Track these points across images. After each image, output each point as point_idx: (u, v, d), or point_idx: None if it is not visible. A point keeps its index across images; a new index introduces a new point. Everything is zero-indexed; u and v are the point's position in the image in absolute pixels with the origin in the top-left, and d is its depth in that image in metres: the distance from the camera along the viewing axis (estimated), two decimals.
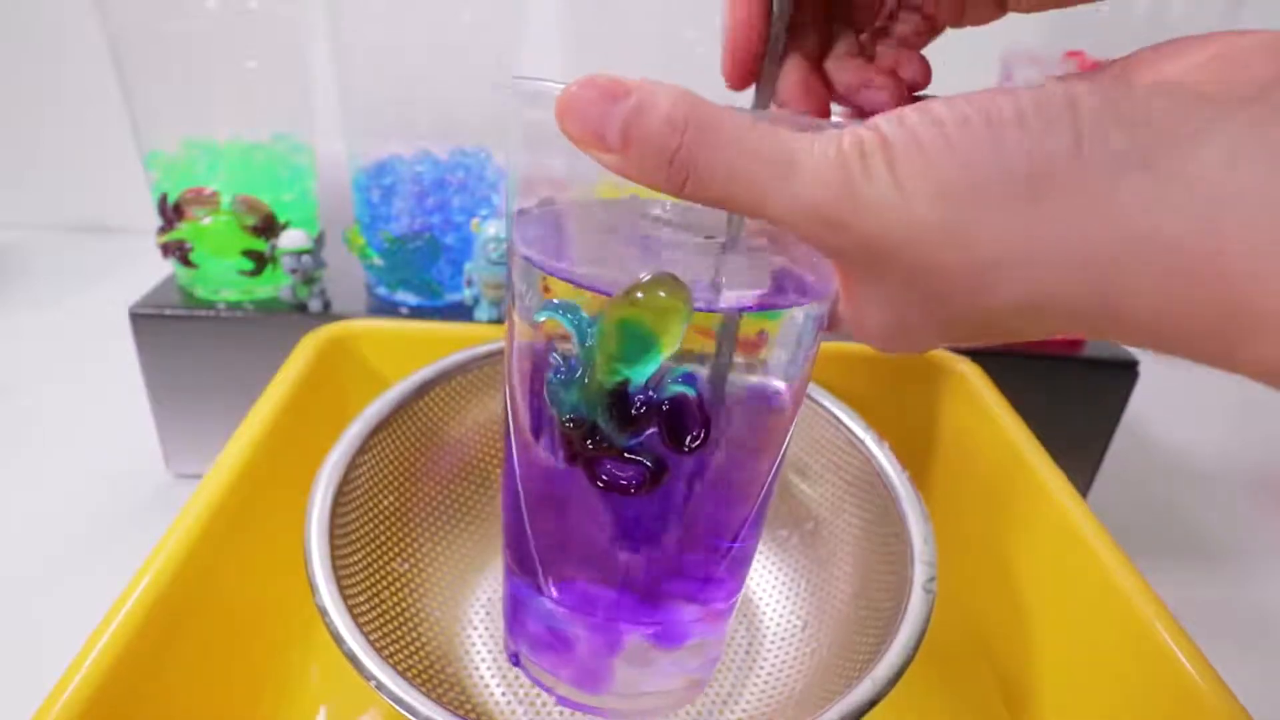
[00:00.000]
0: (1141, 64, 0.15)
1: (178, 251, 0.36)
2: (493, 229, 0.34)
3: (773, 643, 0.28)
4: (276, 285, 0.37)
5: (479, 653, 0.27)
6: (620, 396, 0.18)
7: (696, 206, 0.15)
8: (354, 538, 0.25)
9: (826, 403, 0.30)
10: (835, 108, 0.19)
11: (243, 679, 0.26)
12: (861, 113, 0.19)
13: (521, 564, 0.22)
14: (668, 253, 0.18)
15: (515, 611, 0.23)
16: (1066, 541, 0.26)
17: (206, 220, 0.36)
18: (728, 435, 0.19)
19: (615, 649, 0.22)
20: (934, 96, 0.14)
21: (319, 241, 0.36)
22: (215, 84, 0.36)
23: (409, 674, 0.21)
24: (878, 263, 0.14)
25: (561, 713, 0.25)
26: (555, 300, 0.18)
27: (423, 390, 0.29)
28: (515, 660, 0.24)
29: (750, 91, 0.19)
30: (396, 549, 0.27)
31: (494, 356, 0.31)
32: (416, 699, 0.19)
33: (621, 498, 0.19)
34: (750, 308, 0.18)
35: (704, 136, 0.14)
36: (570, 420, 0.18)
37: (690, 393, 0.18)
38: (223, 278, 0.37)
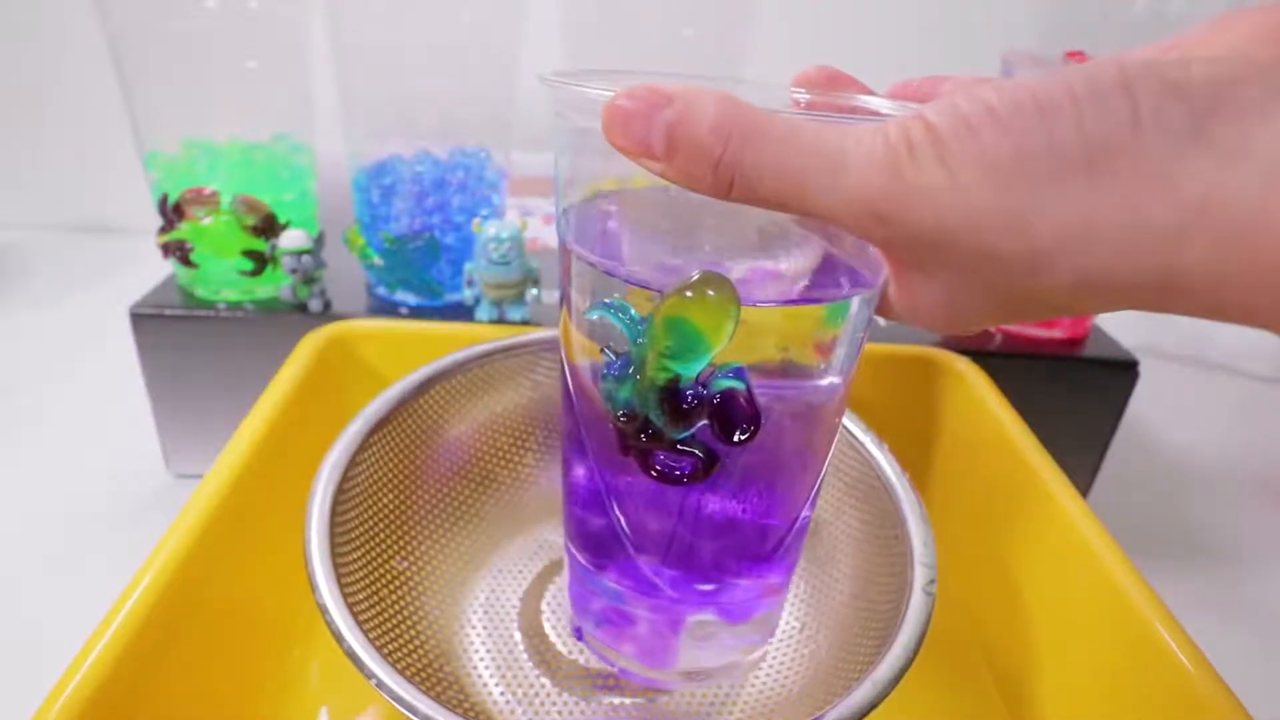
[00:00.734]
0: (1192, 39, 0.15)
1: (178, 251, 0.36)
2: (493, 229, 0.34)
3: (772, 644, 0.28)
4: (276, 285, 0.37)
5: (479, 651, 0.27)
6: (671, 392, 0.18)
7: None
8: (354, 537, 0.25)
9: None
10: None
11: (243, 678, 0.26)
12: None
13: (584, 547, 0.23)
14: (713, 248, 0.19)
15: (580, 590, 0.24)
16: (1066, 541, 0.26)
17: (207, 220, 0.36)
18: (783, 426, 0.20)
19: (678, 627, 0.23)
20: (971, 79, 0.14)
21: (319, 241, 0.36)
22: (215, 84, 0.36)
23: (409, 672, 0.21)
24: (935, 252, 0.14)
25: (562, 712, 0.25)
26: (606, 300, 0.19)
27: (422, 389, 0.29)
28: (579, 635, 0.25)
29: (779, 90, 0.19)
30: (396, 548, 0.27)
31: (493, 356, 0.31)
32: (416, 697, 0.19)
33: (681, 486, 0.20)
34: (795, 301, 0.19)
35: (749, 140, 0.14)
36: (624, 415, 0.19)
37: (740, 386, 0.19)
38: (223, 278, 0.37)
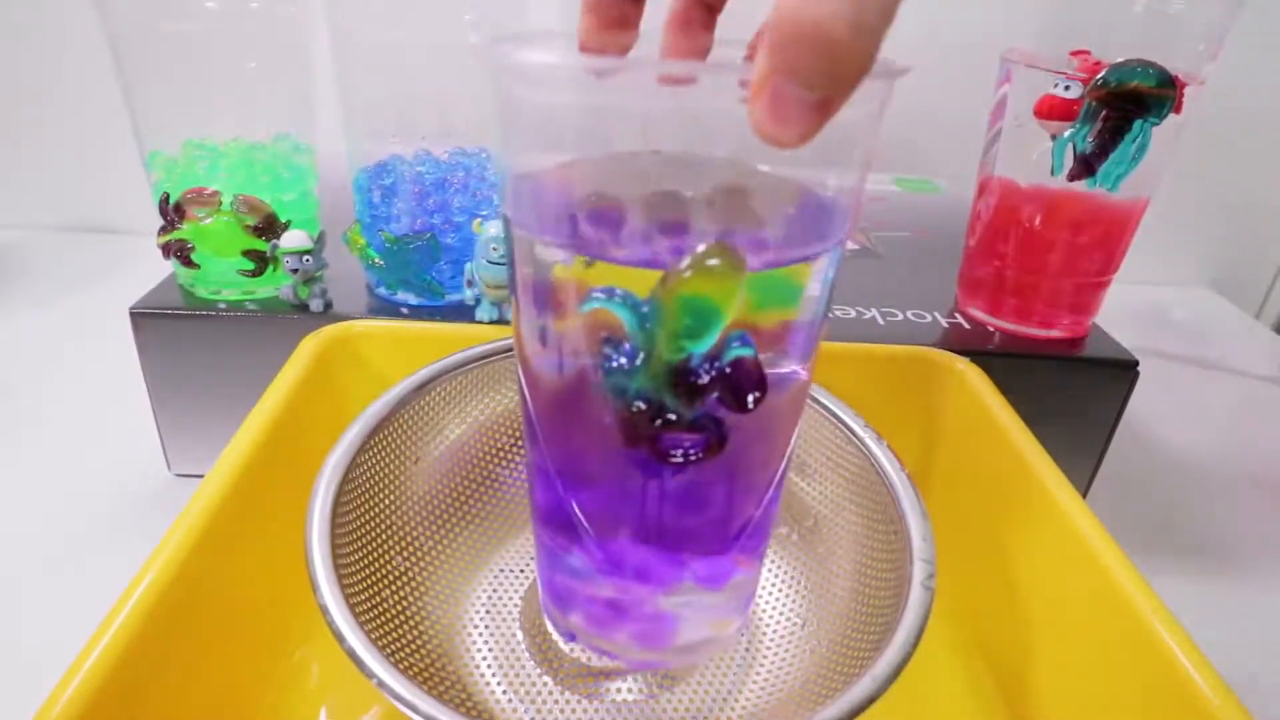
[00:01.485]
0: None
1: (178, 252, 0.36)
2: (494, 229, 0.34)
3: (772, 640, 0.28)
4: (277, 285, 0.37)
5: (480, 651, 0.27)
6: (684, 371, 0.18)
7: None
8: (355, 536, 0.25)
9: (826, 401, 0.30)
10: None
11: (244, 678, 0.26)
12: None
13: (563, 539, 0.23)
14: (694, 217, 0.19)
15: (560, 592, 0.24)
16: (1066, 541, 0.26)
17: (207, 220, 0.36)
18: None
19: (660, 602, 0.23)
20: None
21: (320, 242, 0.36)
22: (215, 84, 0.36)
23: (410, 672, 0.21)
24: None
25: (564, 710, 0.25)
26: (600, 289, 0.18)
27: (422, 389, 0.29)
28: (572, 638, 0.25)
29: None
30: (397, 548, 0.27)
31: (494, 356, 0.31)
32: (418, 697, 0.19)
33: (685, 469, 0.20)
34: (780, 263, 0.19)
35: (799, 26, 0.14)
36: (639, 405, 0.18)
37: (750, 353, 0.18)
38: (223, 278, 0.37)
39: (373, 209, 0.37)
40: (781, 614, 0.29)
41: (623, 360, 0.18)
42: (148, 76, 0.35)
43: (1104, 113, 0.33)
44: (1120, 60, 0.32)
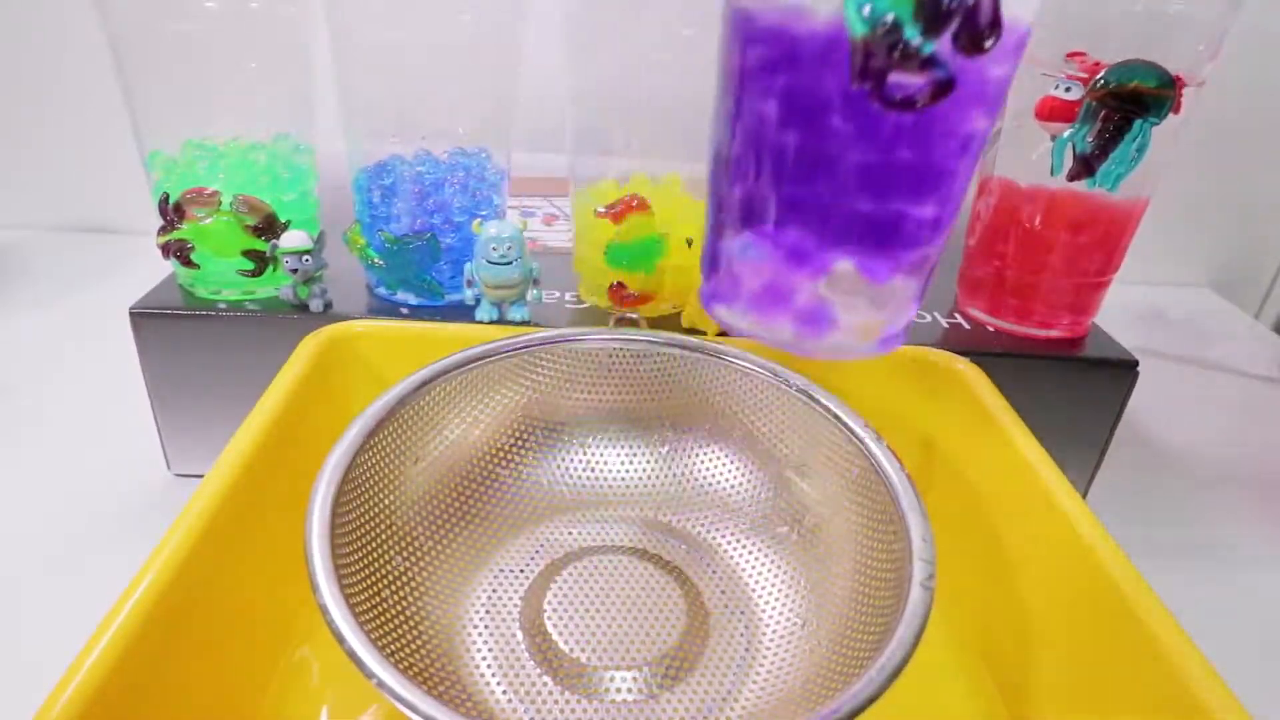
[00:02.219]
0: None
1: (178, 252, 0.36)
2: (493, 229, 0.34)
3: (771, 640, 0.28)
4: (277, 285, 0.37)
5: (480, 651, 0.27)
6: None
7: None
8: (355, 537, 0.25)
9: (825, 400, 0.30)
10: None
11: (244, 678, 0.26)
12: None
13: (748, 214, 0.24)
14: None
15: (736, 277, 0.26)
16: (1066, 541, 0.26)
17: (207, 220, 0.36)
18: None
19: (823, 274, 0.24)
20: None
21: (320, 242, 0.36)
22: (215, 84, 0.36)
23: (410, 672, 0.21)
24: None
25: (564, 710, 0.25)
26: None
27: (422, 389, 0.29)
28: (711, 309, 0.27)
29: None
30: (397, 548, 0.27)
31: (494, 356, 0.31)
32: (418, 697, 0.19)
33: (880, 126, 0.21)
34: None
35: None
36: (882, 28, 0.19)
37: None
38: (223, 278, 0.37)
39: (372, 209, 0.37)
40: (781, 614, 0.29)
41: None
42: (148, 76, 0.35)
43: (1104, 113, 0.33)
44: (1120, 60, 0.32)
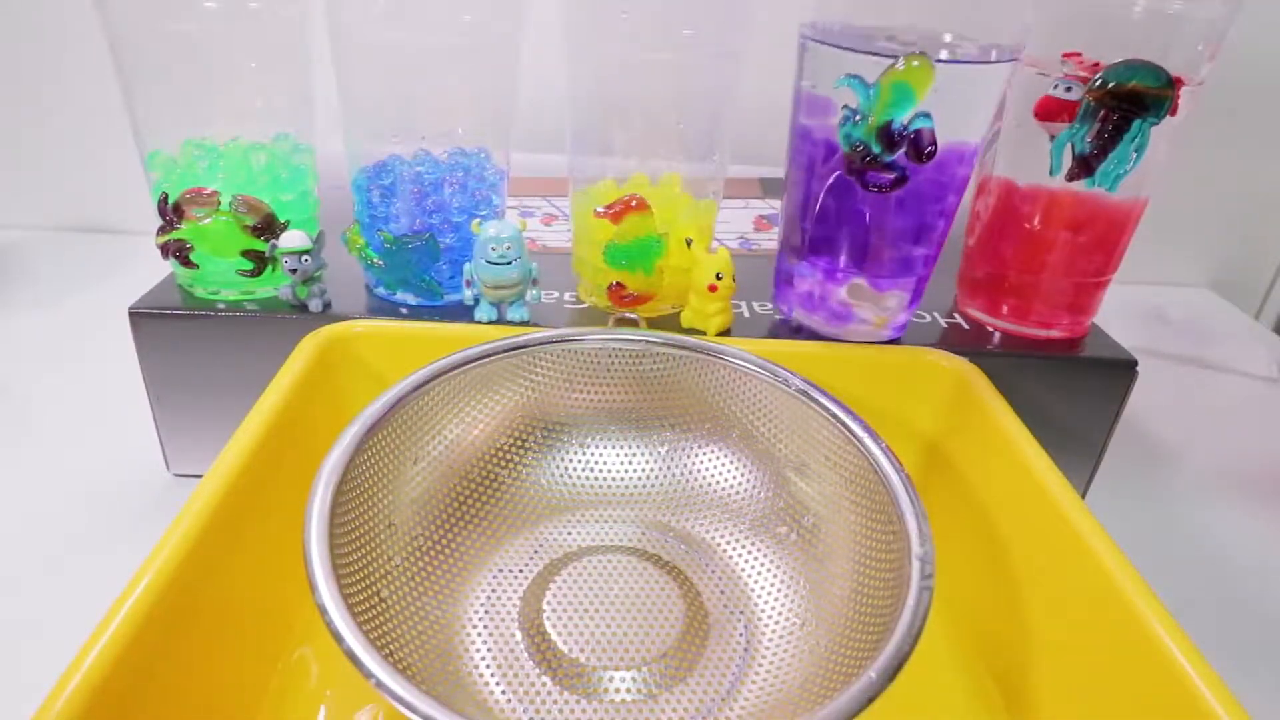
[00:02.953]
0: None
1: (177, 252, 0.36)
2: (493, 229, 0.34)
3: (771, 640, 0.28)
4: (276, 285, 0.37)
5: (479, 651, 0.27)
6: (887, 129, 0.31)
7: None
8: (354, 537, 0.25)
9: (825, 401, 0.30)
10: None
11: (243, 678, 0.26)
12: None
13: (802, 248, 0.36)
14: None
15: (789, 281, 0.38)
16: (1066, 541, 0.26)
17: (206, 220, 0.36)
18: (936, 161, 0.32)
19: (849, 289, 0.36)
20: None
21: (319, 242, 0.36)
22: (215, 84, 0.36)
23: (409, 672, 0.21)
24: None
25: (563, 710, 0.25)
26: (845, 73, 0.31)
27: (422, 389, 0.29)
28: (789, 313, 0.38)
29: None
30: (397, 547, 0.27)
31: (493, 356, 0.31)
32: (417, 697, 0.19)
33: (874, 199, 0.33)
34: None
35: None
36: (858, 146, 0.31)
37: (929, 125, 0.31)
38: (222, 278, 0.37)
39: (372, 209, 0.37)
40: (781, 614, 0.29)
41: (855, 117, 0.31)
42: (148, 76, 0.35)
43: (1103, 113, 0.33)
44: (1119, 60, 0.32)
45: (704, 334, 0.36)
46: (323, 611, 0.21)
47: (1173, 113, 0.33)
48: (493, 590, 0.29)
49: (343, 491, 0.25)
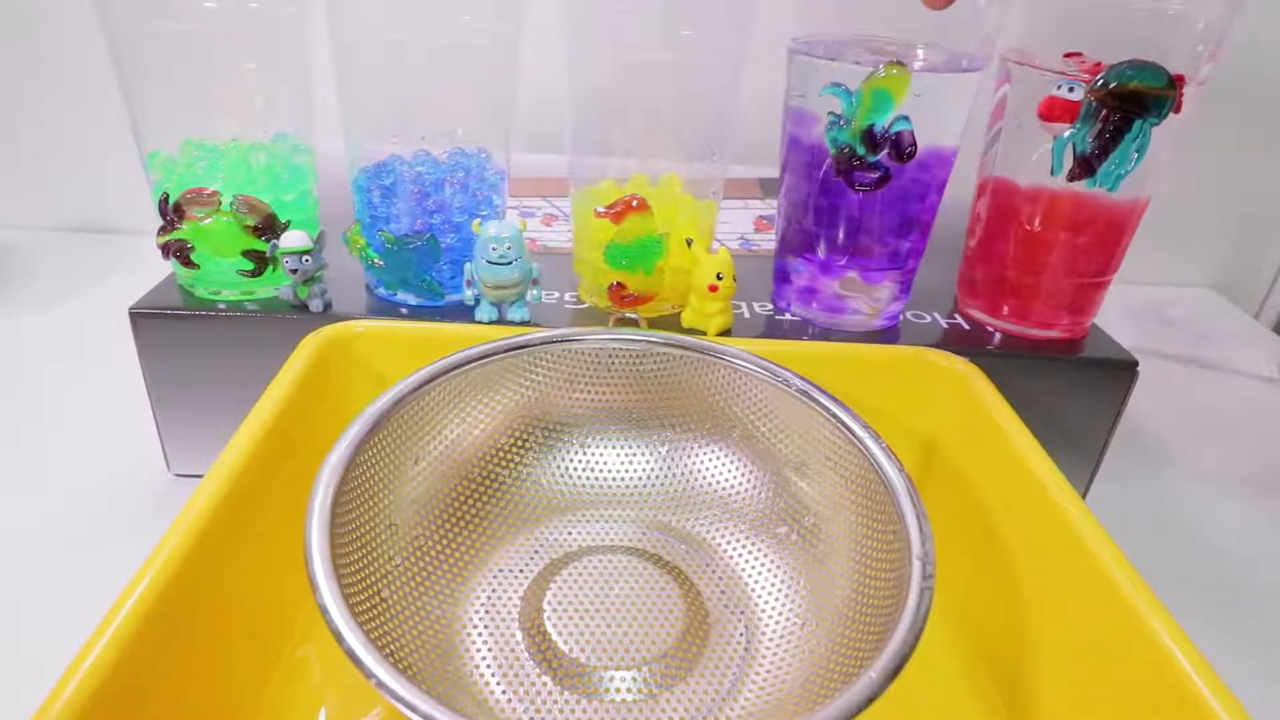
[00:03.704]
0: None
1: (178, 252, 0.36)
2: (493, 229, 0.34)
3: (771, 640, 0.28)
4: (277, 285, 0.37)
5: (480, 651, 0.27)
6: (870, 132, 0.33)
7: None
8: (354, 537, 0.25)
9: (825, 401, 0.30)
10: None
11: (243, 678, 0.26)
12: None
13: (798, 247, 0.39)
14: None
15: (786, 279, 0.40)
16: (1066, 541, 0.26)
17: (207, 221, 0.36)
18: (918, 160, 0.34)
19: (841, 282, 0.38)
20: None
21: (319, 242, 0.36)
22: (215, 84, 0.36)
23: (410, 672, 0.21)
24: None
25: (564, 710, 0.25)
26: (830, 82, 0.33)
27: (422, 389, 0.29)
28: (787, 308, 0.40)
29: None
30: (397, 547, 0.27)
31: (494, 356, 0.31)
32: (417, 697, 0.19)
33: (862, 197, 0.35)
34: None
35: None
36: (844, 149, 0.34)
37: (909, 128, 0.33)
38: (223, 278, 0.37)
39: (372, 209, 0.37)
40: (781, 614, 0.29)
41: (840, 122, 0.34)
42: (148, 76, 0.35)
43: (1104, 113, 0.33)
44: (1120, 60, 0.32)
45: (704, 334, 0.36)
46: (323, 611, 0.21)
47: (1175, 112, 0.33)
48: (493, 590, 0.29)
49: (343, 491, 0.25)
